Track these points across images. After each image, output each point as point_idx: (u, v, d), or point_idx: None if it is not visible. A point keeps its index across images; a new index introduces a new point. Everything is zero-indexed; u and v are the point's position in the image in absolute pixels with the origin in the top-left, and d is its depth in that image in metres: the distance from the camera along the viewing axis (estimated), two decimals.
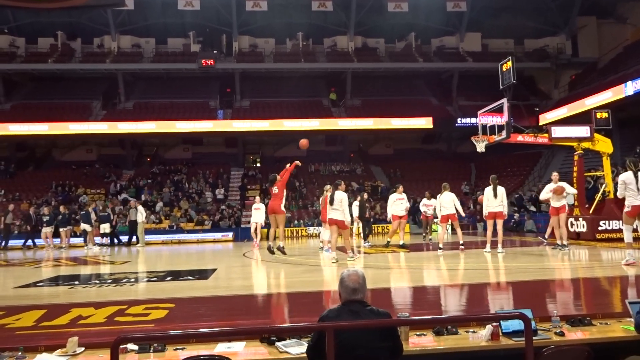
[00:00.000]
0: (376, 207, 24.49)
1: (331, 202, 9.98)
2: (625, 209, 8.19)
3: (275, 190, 11.10)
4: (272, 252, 11.20)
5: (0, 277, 10.43)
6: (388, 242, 13.45)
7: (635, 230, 9.01)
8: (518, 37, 32.44)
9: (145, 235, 18.89)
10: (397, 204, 12.98)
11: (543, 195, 11.92)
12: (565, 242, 11.20)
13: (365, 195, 16.48)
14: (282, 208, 11.05)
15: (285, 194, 11.26)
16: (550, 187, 11.52)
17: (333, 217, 9.99)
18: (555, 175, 11.80)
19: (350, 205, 11.81)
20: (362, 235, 15.73)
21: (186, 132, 28.52)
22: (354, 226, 17.06)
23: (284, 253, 11.09)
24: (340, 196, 9.91)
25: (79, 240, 19.72)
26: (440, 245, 11.69)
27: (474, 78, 30.33)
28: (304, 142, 11.50)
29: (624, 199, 8.29)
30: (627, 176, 8.12)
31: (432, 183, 23.10)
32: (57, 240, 18.84)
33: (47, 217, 18.63)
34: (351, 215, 12.15)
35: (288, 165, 11.44)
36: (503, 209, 11.08)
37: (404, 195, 13.14)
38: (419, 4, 30.70)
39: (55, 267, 11.85)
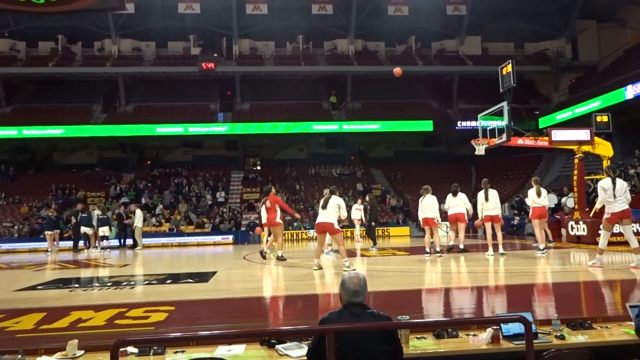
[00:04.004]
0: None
1: (324, 207, 9.20)
2: (605, 216, 8.13)
3: (268, 204, 11.17)
4: (264, 257, 11.45)
5: (0, 280, 10.42)
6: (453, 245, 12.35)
7: (620, 234, 8.91)
8: (518, 41, 32.51)
9: (145, 238, 18.83)
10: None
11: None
12: (543, 245, 11.06)
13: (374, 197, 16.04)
14: (278, 220, 11.06)
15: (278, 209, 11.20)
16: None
17: (323, 220, 9.17)
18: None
19: (349, 208, 11.63)
20: (371, 239, 14.95)
21: (186, 135, 28.55)
22: (356, 229, 16.97)
23: (283, 260, 11.08)
24: (337, 200, 9.27)
25: (66, 244, 19.22)
26: (427, 250, 11.26)
27: (474, 81, 30.38)
28: (398, 70, 12.00)
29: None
30: (606, 182, 8.05)
31: (432, 186, 22.85)
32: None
33: None
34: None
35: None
36: (498, 212, 10.98)
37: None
38: (419, 8, 30.76)
39: (55, 270, 11.84)
